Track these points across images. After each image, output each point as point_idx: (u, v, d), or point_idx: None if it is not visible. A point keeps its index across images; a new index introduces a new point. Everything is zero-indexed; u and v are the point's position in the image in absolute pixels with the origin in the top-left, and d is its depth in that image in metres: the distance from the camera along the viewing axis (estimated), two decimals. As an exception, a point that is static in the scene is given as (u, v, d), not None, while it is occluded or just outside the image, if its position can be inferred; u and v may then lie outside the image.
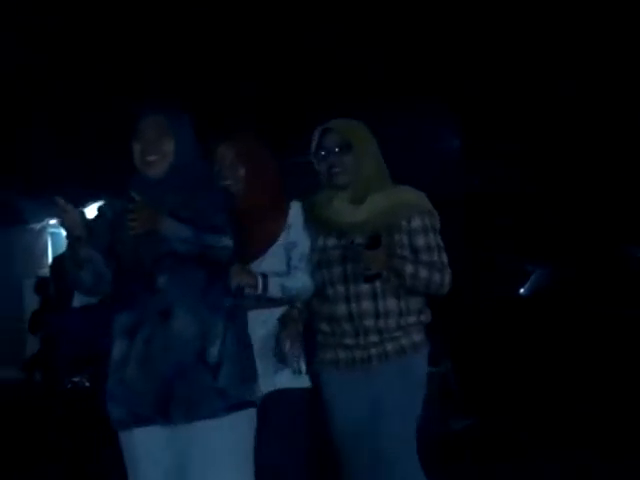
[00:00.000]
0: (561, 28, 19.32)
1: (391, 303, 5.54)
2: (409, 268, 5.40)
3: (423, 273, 5.45)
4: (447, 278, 5.58)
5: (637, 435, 10.29)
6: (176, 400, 4.75)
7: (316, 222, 5.61)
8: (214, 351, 4.77)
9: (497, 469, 8.99)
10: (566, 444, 9.99)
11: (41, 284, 15.74)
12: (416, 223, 5.50)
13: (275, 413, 5.31)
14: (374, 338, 5.57)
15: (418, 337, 5.76)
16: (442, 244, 5.65)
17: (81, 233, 4.82)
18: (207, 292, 4.87)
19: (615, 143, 20.46)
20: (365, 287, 5.49)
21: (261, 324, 5.36)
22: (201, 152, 5.32)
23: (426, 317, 5.85)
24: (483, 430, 10.32)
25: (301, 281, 5.44)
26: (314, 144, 5.57)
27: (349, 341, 5.59)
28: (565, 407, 11.85)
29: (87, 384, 13.26)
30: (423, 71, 19.57)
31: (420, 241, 5.50)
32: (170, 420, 4.82)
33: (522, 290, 18.96)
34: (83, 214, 4.92)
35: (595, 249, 18.68)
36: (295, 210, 5.58)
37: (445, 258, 5.61)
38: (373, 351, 5.59)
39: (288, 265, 5.45)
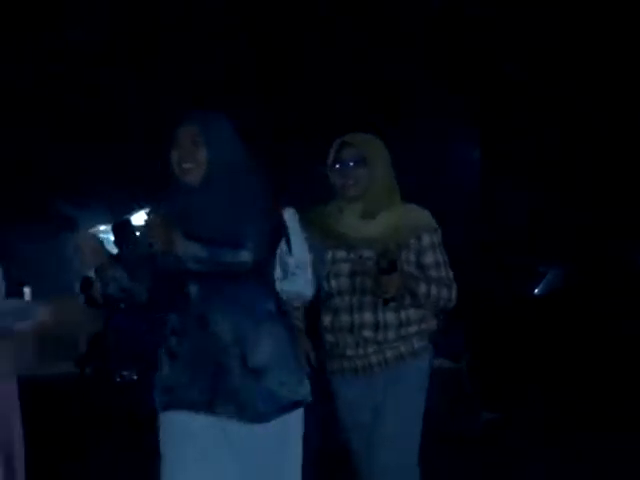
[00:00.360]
0: (577, 48, 19.15)
1: (390, 316, 5.44)
2: (422, 288, 5.31)
3: (434, 291, 5.36)
4: (454, 293, 5.46)
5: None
6: (221, 397, 4.64)
7: (325, 233, 5.48)
8: (254, 355, 4.65)
9: (518, 458, 8.95)
10: (583, 433, 9.94)
11: (85, 283, 15.82)
12: (425, 241, 5.40)
13: None
14: (373, 348, 5.48)
15: (418, 344, 5.62)
16: (447, 260, 5.54)
17: (100, 261, 4.77)
18: (241, 298, 4.72)
19: (623, 161, 20.40)
20: (368, 299, 5.41)
21: None
22: (247, 163, 5.07)
23: (428, 325, 5.68)
24: (506, 423, 10.28)
25: (298, 286, 5.08)
26: (331, 156, 5.45)
27: (350, 352, 5.49)
28: (575, 396, 11.84)
29: (135, 377, 13.36)
30: (448, 92, 19.50)
31: (429, 258, 5.41)
32: (214, 412, 4.68)
33: (536, 290, 19.06)
34: (102, 242, 4.88)
35: (602, 253, 18.75)
36: (289, 217, 5.15)
37: (451, 274, 5.51)
38: (373, 359, 5.49)
39: (285, 270, 5.03)
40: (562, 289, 18.37)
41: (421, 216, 5.51)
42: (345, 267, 5.41)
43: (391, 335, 5.41)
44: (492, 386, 10.70)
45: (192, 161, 4.80)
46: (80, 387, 15.69)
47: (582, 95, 19.68)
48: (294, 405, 4.68)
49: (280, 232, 4.81)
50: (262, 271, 4.70)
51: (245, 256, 4.56)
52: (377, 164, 5.39)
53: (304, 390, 4.76)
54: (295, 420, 4.76)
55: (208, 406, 4.64)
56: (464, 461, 9.01)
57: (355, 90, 19.55)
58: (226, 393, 4.61)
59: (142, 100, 19.45)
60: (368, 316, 5.40)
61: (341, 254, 5.44)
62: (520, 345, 14.40)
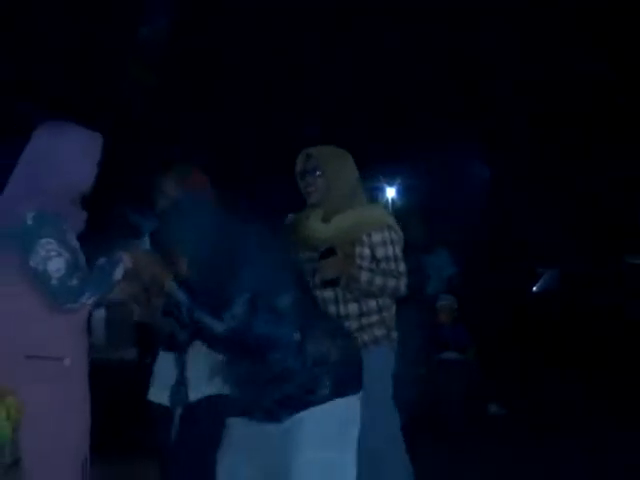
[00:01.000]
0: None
1: (352, 307, 5.32)
2: (364, 275, 5.18)
3: (378, 280, 5.24)
4: (402, 284, 5.29)
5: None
6: (269, 402, 4.37)
7: (296, 237, 5.40)
8: (288, 362, 4.33)
9: (523, 446, 8.86)
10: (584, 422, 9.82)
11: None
12: (376, 238, 5.27)
13: (206, 418, 4.80)
14: None
15: (380, 332, 5.43)
16: (400, 255, 5.37)
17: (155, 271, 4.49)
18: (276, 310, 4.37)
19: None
20: (329, 294, 5.26)
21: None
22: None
23: (389, 313, 5.50)
24: (512, 414, 10.17)
25: None
26: (298, 166, 5.33)
27: None
28: (568, 382, 11.78)
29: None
30: (460, 116, 19.24)
31: (380, 253, 5.28)
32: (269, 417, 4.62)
33: (534, 288, 19.13)
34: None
35: (593, 256, 18.78)
36: None
37: (402, 267, 5.33)
38: None
39: None
40: (556, 288, 18.52)
41: (376, 214, 5.45)
42: (309, 266, 5.25)
43: (354, 324, 5.31)
44: (496, 377, 10.62)
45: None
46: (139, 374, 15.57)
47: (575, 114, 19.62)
48: (312, 404, 4.39)
49: None
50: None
51: (220, 326, 4.35)
52: (335, 174, 5.31)
53: (321, 394, 4.47)
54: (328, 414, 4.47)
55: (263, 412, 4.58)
56: (477, 442, 9.01)
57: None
58: (272, 399, 4.47)
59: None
60: (331, 308, 5.33)
61: (306, 254, 5.33)
62: (521, 336, 14.41)
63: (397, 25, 18.00)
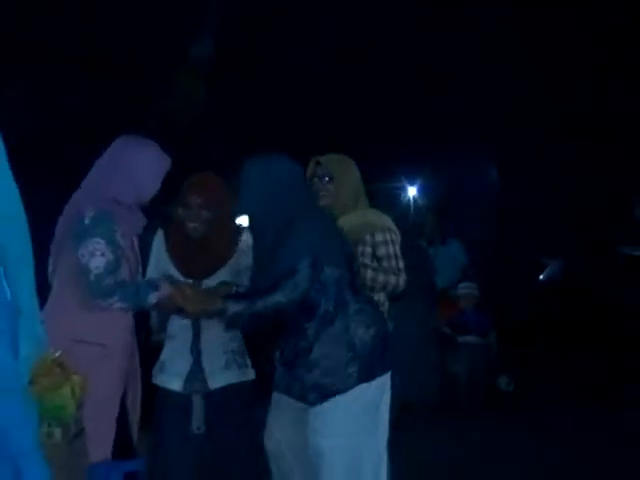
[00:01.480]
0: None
1: None
2: (369, 273, 5.11)
3: (381, 277, 5.16)
4: (402, 280, 5.23)
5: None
6: (299, 387, 4.45)
7: None
8: (307, 352, 4.38)
9: (530, 415, 8.87)
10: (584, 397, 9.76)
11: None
12: (378, 238, 5.24)
13: (229, 405, 4.77)
14: None
15: None
16: (399, 253, 5.34)
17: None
18: (302, 307, 4.40)
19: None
20: None
21: (212, 325, 4.83)
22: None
23: (384, 308, 5.34)
24: (520, 386, 10.12)
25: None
26: (309, 172, 5.27)
27: None
28: (574, 363, 11.76)
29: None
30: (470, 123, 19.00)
31: (381, 252, 5.24)
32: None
33: (541, 277, 19.08)
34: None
35: (592, 248, 18.73)
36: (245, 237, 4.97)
37: (401, 264, 5.30)
38: None
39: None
40: (560, 277, 18.51)
41: (376, 218, 5.41)
42: None
43: None
44: (507, 356, 10.57)
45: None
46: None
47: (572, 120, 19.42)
48: (334, 393, 4.37)
49: None
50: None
51: (279, 298, 4.32)
52: (343, 181, 5.28)
53: (344, 382, 4.43)
54: (337, 406, 4.45)
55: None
56: (488, 412, 9.06)
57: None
58: (293, 384, 4.53)
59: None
60: None
61: None
62: (529, 320, 14.38)
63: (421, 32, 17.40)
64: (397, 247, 5.40)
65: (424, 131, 18.78)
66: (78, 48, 12.71)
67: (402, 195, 24.83)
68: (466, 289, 10.22)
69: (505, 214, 21.18)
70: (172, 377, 4.77)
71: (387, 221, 5.46)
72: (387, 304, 5.40)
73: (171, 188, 4.81)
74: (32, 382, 3.19)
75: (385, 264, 5.25)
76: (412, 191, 25.19)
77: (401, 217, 9.72)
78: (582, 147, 19.61)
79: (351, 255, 4.64)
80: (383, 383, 4.46)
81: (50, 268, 4.45)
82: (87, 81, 12.71)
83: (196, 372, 4.74)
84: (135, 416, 4.61)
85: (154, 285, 4.39)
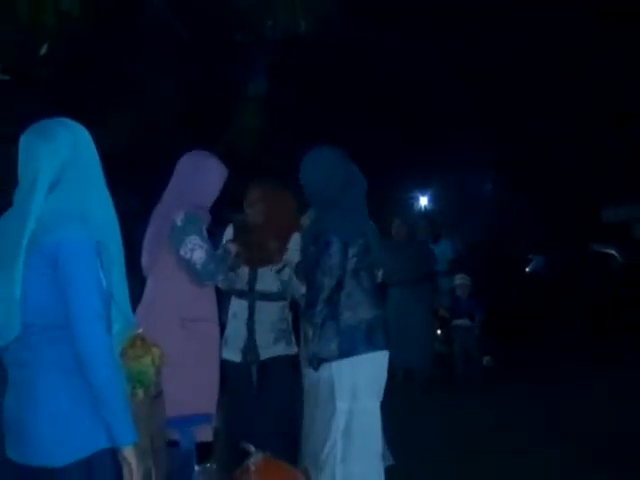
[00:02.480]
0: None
1: None
2: None
3: None
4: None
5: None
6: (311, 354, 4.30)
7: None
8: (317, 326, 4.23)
9: (514, 389, 8.74)
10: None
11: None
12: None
13: (277, 372, 4.71)
14: None
15: None
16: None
17: None
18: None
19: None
20: None
21: (272, 310, 4.75)
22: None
23: None
24: (503, 364, 10.01)
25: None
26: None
27: None
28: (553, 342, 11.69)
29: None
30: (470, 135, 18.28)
31: None
32: None
33: (527, 269, 19.01)
34: None
35: (569, 245, 18.65)
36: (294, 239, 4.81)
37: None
38: None
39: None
40: (542, 269, 18.46)
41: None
42: None
43: None
44: (493, 336, 10.45)
45: None
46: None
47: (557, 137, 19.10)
48: (323, 360, 4.24)
49: None
50: None
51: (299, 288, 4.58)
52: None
53: (330, 353, 4.26)
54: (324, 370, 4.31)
55: None
56: (476, 387, 8.97)
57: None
58: None
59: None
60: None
61: None
62: (517, 307, 14.29)
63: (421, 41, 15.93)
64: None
65: (433, 143, 18.12)
66: (164, 87, 12.77)
67: (414, 204, 24.83)
68: (460, 280, 10.17)
69: (499, 219, 21.12)
70: (233, 351, 4.74)
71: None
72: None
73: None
74: (121, 354, 3.25)
75: None
76: (423, 200, 25.18)
77: (403, 221, 9.67)
78: (559, 166, 19.46)
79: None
80: (383, 357, 4.27)
81: (146, 263, 4.51)
82: (170, 114, 12.83)
83: (250, 345, 4.70)
84: None
85: (227, 251, 4.54)
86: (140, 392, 3.21)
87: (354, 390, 4.17)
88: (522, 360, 10.19)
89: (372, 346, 4.21)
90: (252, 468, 3.54)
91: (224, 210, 5.40)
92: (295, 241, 4.78)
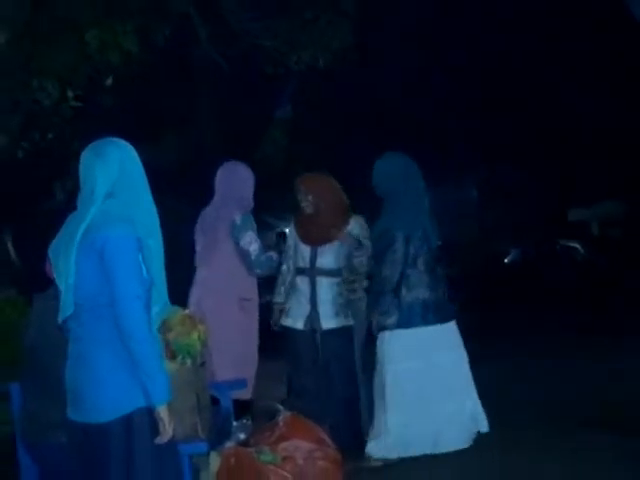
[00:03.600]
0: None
1: None
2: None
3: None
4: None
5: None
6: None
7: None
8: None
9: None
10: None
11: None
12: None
13: (337, 341, 4.46)
14: None
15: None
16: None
17: None
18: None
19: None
20: None
21: (331, 285, 4.49)
22: None
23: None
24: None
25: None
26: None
27: None
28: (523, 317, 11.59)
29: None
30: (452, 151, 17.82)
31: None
32: None
33: (506, 260, 18.93)
34: None
35: (541, 239, 18.57)
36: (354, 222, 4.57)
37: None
38: None
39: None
40: (519, 260, 18.37)
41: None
42: None
43: None
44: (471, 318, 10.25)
45: None
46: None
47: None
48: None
49: None
50: None
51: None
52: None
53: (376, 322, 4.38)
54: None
55: None
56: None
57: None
58: None
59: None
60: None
61: None
62: (497, 291, 14.21)
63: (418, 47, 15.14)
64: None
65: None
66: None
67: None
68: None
69: (482, 221, 21.05)
70: (297, 319, 4.51)
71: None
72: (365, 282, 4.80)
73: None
74: (171, 329, 3.25)
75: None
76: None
77: None
78: (532, 170, 19.30)
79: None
80: (418, 332, 4.27)
81: (201, 254, 4.61)
82: (213, 135, 12.85)
83: (314, 316, 4.47)
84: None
85: (272, 257, 4.60)
86: (188, 361, 3.21)
87: (404, 354, 4.23)
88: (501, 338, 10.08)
89: (424, 322, 4.25)
90: (281, 423, 3.52)
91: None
92: (352, 229, 4.55)
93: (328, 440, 3.55)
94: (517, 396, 5.63)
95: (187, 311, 3.46)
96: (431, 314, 4.29)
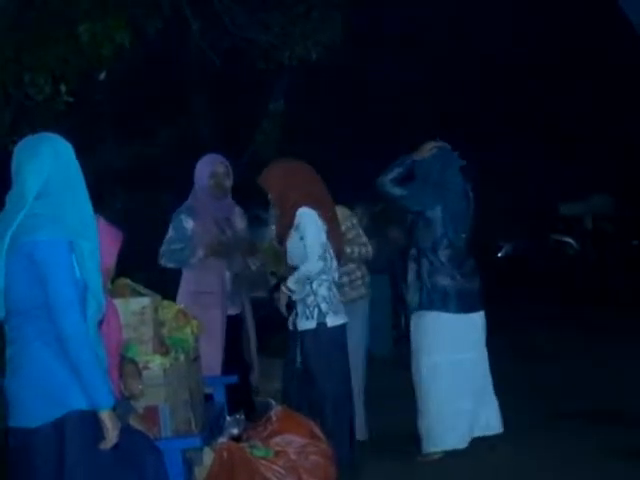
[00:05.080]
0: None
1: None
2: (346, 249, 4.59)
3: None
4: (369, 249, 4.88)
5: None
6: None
7: None
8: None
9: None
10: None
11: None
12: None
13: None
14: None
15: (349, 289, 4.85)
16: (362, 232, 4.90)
17: None
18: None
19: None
20: None
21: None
22: None
23: (357, 275, 4.84)
24: None
25: None
26: None
27: None
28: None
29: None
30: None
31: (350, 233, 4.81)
32: None
33: (499, 254, 18.98)
34: None
35: (533, 234, 18.65)
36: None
37: (365, 239, 4.82)
38: None
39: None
40: (511, 254, 18.42)
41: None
42: None
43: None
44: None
45: None
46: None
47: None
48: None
49: None
50: None
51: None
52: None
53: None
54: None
55: None
56: None
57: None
58: None
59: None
60: None
61: None
62: (489, 285, 14.20)
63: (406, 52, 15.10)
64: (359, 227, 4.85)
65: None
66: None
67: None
68: None
69: (476, 213, 21.04)
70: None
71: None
72: (361, 273, 4.76)
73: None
74: (164, 325, 3.24)
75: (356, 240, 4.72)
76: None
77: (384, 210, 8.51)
78: (524, 165, 19.29)
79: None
80: (477, 318, 4.54)
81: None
82: (207, 128, 12.78)
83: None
84: (253, 345, 4.59)
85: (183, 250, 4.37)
86: (181, 356, 3.21)
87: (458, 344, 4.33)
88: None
89: (444, 308, 4.32)
90: (274, 418, 3.53)
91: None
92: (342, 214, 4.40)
93: (321, 435, 3.56)
94: (513, 392, 5.72)
95: (180, 306, 3.47)
96: (451, 302, 4.44)
